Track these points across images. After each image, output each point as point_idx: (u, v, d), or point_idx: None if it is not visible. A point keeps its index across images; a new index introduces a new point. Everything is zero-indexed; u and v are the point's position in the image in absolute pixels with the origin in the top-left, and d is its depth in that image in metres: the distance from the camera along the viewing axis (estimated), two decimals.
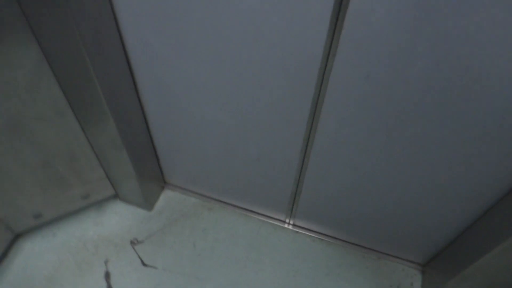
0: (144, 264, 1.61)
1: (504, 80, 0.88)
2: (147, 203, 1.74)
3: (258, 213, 1.78)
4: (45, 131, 1.32)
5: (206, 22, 1.04)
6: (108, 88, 1.20)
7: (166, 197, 1.85)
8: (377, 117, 1.09)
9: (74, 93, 1.23)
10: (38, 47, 1.09)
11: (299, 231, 1.74)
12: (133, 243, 1.67)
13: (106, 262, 1.61)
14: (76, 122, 1.35)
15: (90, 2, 1.01)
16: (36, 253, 1.63)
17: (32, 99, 1.21)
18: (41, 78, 1.17)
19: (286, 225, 1.75)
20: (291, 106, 1.18)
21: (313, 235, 1.72)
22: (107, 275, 1.57)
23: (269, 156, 1.41)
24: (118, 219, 1.75)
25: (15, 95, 1.17)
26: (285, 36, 1.00)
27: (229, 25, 1.03)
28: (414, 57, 0.91)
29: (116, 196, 1.78)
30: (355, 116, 1.12)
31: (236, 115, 1.30)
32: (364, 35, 0.91)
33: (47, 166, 1.43)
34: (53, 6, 0.96)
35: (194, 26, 1.07)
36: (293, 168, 1.42)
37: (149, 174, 1.68)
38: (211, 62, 1.16)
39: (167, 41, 1.15)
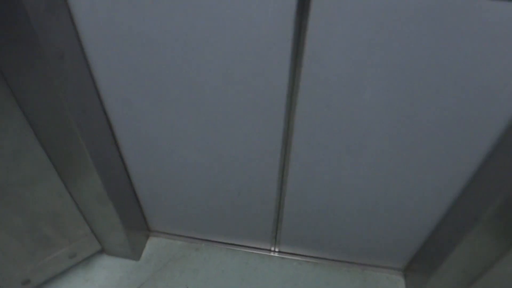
0: None
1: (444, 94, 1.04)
2: (134, 253, 1.77)
3: (244, 246, 1.85)
4: (30, 194, 1.35)
5: (181, 76, 1.16)
6: (92, 144, 1.27)
7: (152, 244, 1.88)
8: (341, 139, 1.23)
9: (58, 154, 1.28)
10: (22, 114, 1.15)
11: (285, 257, 1.82)
12: None
13: None
14: (60, 181, 1.39)
15: (71, 67, 1.10)
16: None
17: (16, 165, 1.26)
18: (25, 144, 1.22)
19: (272, 253, 1.82)
20: (265, 140, 1.29)
21: (299, 258, 1.81)
22: None
23: (249, 188, 1.51)
24: (106, 273, 1.76)
25: (0, 163, 1.22)
26: (253, 81, 1.12)
27: (202, 76, 1.14)
28: (363, 86, 1.06)
29: (102, 251, 1.80)
30: (323, 141, 1.25)
31: (214, 155, 1.40)
32: (320, 72, 1.05)
33: (33, 229, 1.45)
34: (35, 75, 1.04)
35: (169, 80, 1.18)
36: (272, 197, 1.52)
37: (134, 224, 1.73)
38: (187, 111, 1.26)
39: (144, 96, 1.24)
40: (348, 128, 1.19)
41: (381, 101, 1.09)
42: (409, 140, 1.18)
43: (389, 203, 1.45)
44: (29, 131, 1.21)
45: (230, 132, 1.30)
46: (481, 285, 1.45)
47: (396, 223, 1.53)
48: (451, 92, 1.02)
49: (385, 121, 1.14)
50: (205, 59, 1.10)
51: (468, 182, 1.29)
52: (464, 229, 1.31)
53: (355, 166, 1.31)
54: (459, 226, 1.34)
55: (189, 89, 1.19)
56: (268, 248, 1.83)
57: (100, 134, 1.32)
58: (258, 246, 1.83)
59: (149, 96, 1.24)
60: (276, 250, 1.82)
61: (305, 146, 1.28)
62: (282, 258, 1.81)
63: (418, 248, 1.64)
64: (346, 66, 1.03)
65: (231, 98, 1.19)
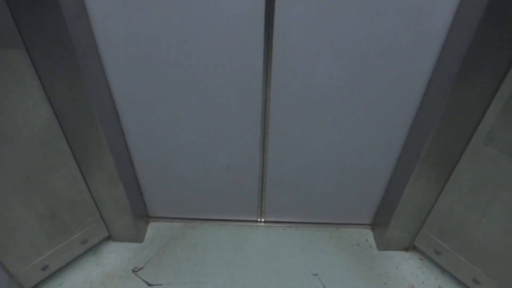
0: (149, 285, 1.85)
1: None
2: (139, 236, 2.00)
3: (234, 220, 2.12)
4: (53, 180, 1.58)
5: (177, 66, 1.46)
6: (107, 131, 1.53)
7: (153, 228, 2.12)
8: (308, 105, 1.56)
9: (78, 142, 1.53)
10: (50, 107, 1.41)
11: (270, 225, 2.11)
12: (135, 270, 1.91)
13: None
14: (77, 168, 1.63)
15: (91, 64, 1.38)
16: None
17: (43, 153, 1.49)
18: (51, 133, 1.47)
19: (259, 224, 2.11)
20: (247, 113, 1.61)
21: (283, 225, 2.10)
22: None
23: (236, 161, 1.81)
24: (115, 256, 1.98)
25: (30, 150, 1.45)
26: (234, 63, 1.44)
27: (193, 64, 1.45)
28: (320, 58, 1.41)
29: (109, 238, 2.02)
30: (294, 108, 1.58)
31: (206, 133, 1.69)
32: (288, 48, 1.39)
33: (53, 215, 1.66)
34: (66, 71, 1.31)
35: (167, 71, 1.47)
36: (256, 167, 1.83)
37: (137, 209, 1.97)
38: (183, 97, 1.56)
39: (147, 86, 1.53)
40: (312, 94, 1.52)
41: (334, 69, 1.44)
42: (359, 98, 1.53)
43: (351, 160, 1.78)
44: (55, 122, 1.46)
45: (218, 110, 1.60)
46: (432, 219, 1.79)
47: (359, 179, 1.87)
48: (383, 55, 1.39)
49: (339, 85, 1.49)
50: (195, 50, 1.41)
51: (409, 128, 1.64)
52: (410, 171, 1.65)
53: (321, 128, 1.64)
54: (406, 170, 1.68)
55: (184, 76, 1.49)
56: (255, 219, 2.12)
57: (111, 122, 1.58)
58: (246, 218, 2.12)
59: (151, 86, 1.53)
60: (262, 220, 2.11)
61: (281, 115, 1.60)
62: (268, 226, 2.10)
63: (379, 201, 1.98)
64: (306, 42, 1.37)
65: (218, 79, 1.50)
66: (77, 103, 1.41)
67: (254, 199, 1.99)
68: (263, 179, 1.89)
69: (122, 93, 1.56)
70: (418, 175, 1.62)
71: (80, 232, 1.84)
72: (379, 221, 2.01)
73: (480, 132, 1.42)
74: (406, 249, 1.98)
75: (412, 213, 1.79)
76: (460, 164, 1.54)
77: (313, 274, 1.87)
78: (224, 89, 1.53)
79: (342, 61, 1.41)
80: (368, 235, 2.07)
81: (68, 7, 1.20)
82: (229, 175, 1.88)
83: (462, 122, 1.41)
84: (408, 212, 1.78)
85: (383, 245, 1.97)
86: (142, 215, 2.08)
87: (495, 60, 1.24)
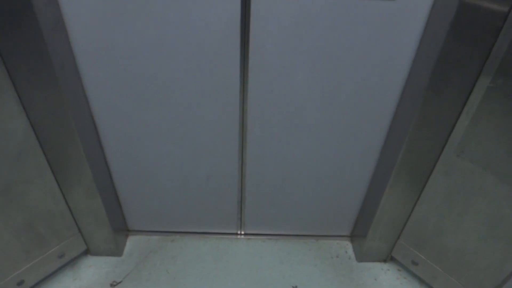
0: None
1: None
2: (117, 249, 1.98)
3: (214, 233, 2.12)
4: (29, 193, 1.56)
5: (154, 78, 1.48)
6: (85, 143, 1.53)
7: (132, 241, 2.11)
8: (285, 117, 1.59)
9: (55, 154, 1.53)
10: (27, 119, 1.41)
11: (250, 237, 2.11)
12: (113, 285, 1.89)
13: None
14: (54, 180, 1.62)
15: (69, 76, 1.39)
16: None
17: (20, 165, 1.48)
18: (28, 145, 1.46)
19: (238, 236, 2.11)
20: (225, 125, 1.63)
21: (262, 238, 2.11)
22: None
23: (216, 173, 1.82)
24: (93, 270, 1.96)
25: (6, 162, 1.44)
26: (211, 75, 1.47)
27: (171, 76, 1.47)
28: (295, 71, 1.44)
29: (87, 252, 2.00)
30: (271, 120, 1.60)
31: (185, 145, 1.70)
32: (264, 62, 1.43)
33: (30, 228, 1.64)
34: (43, 82, 1.32)
35: (144, 83, 1.49)
36: (235, 178, 1.84)
37: (116, 222, 1.96)
38: (161, 109, 1.57)
39: (124, 98, 1.54)
40: (289, 106, 1.55)
41: (309, 81, 1.48)
42: (335, 110, 1.57)
43: (328, 171, 1.81)
44: (32, 134, 1.45)
45: (196, 123, 1.62)
46: (408, 230, 1.82)
47: (337, 190, 1.90)
48: (357, 67, 1.43)
49: (315, 97, 1.52)
50: (173, 63, 1.44)
51: (384, 139, 1.68)
52: (385, 182, 1.68)
53: (298, 140, 1.67)
54: (382, 181, 1.72)
55: (161, 89, 1.51)
56: (235, 232, 2.12)
57: (89, 134, 1.59)
58: (226, 231, 2.12)
59: (128, 98, 1.54)
60: (242, 232, 2.12)
61: (258, 127, 1.63)
62: (248, 239, 2.11)
63: (358, 213, 2.01)
64: (281, 56, 1.41)
65: (195, 92, 1.52)
66: (54, 115, 1.41)
67: (233, 211, 2.00)
68: (242, 191, 1.90)
69: (99, 105, 1.57)
70: (393, 186, 1.65)
71: (58, 246, 1.81)
72: (358, 233, 2.04)
73: (452, 143, 1.46)
74: (384, 260, 2.01)
75: (389, 224, 1.81)
76: (433, 175, 1.58)
77: (293, 286, 1.88)
78: (201, 101, 1.55)
79: (317, 73, 1.45)
80: (347, 247, 2.09)
81: (45, 19, 1.21)
82: (209, 187, 1.89)
83: (434, 133, 1.45)
84: (385, 223, 1.80)
85: (361, 257, 1.99)
86: (121, 228, 2.06)
87: (462, 73, 1.29)
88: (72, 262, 1.97)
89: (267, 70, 1.45)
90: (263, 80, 1.48)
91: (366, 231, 1.88)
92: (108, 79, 1.48)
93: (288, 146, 1.70)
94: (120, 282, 1.90)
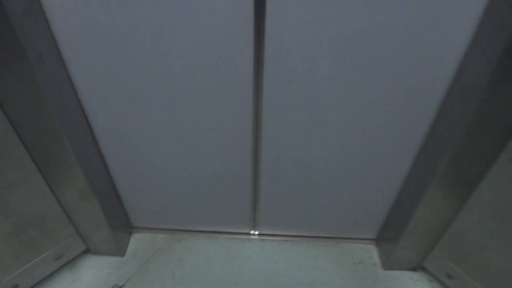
0: None
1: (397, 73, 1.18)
2: (119, 249, 1.82)
3: (225, 232, 1.94)
4: (15, 197, 1.39)
5: (151, 69, 1.24)
6: (74, 141, 1.33)
7: (136, 240, 1.94)
8: (306, 113, 1.35)
9: (41, 154, 1.34)
10: (5, 117, 1.21)
11: (265, 238, 1.92)
12: None
13: None
14: (44, 182, 1.44)
15: (49, 67, 1.17)
16: None
17: (1, 167, 1.30)
18: (9, 146, 1.27)
19: (252, 236, 1.92)
20: (236, 122, 1.40)
21: (278, 238, 1.91)
22: None
23: (226, 173, 1.61)
24: (94, 271, 1.81)
25: None
26: (219, 66, 1.23)
27: (171, 67, 1.24)
28: (319, 61, 1.19)
29: (87, 251, 1.84)
30: (290, 117, 1.36)
31: (189, 144, 1.49)
32: (281, 50, 1.17)
33: (19, 232, 1.49)
34: (17, 75, 1.10)
35: (140, 75, 1.26)
36: (248, 179, 1.63)
37: (117, 221, 1.78)
38: (160, 104, 1.35)
39: (118, 92, 1.32)
40: (310, 101, 1.31)
41: (336, 74, 1.22)
42: (364, 107, 1.32)
43: (355, 172, 1.58)
44: (13, 133, 1.26)
45: (202, 119, 1.40)
46: (445, 242, 1.60)
47: (363, 192, 1.66)
48: (394, 58, 1.16)
49: (341, 92, 1.27)
50: (172, 51, 1.20)
51: (423, 141, 1.43)
52: (424, 187, 1.44)
53: (321, 139, 1.43)
54: (419, 185, 1.47)
55: (160, 81, 1.28)
56: (248, 231, 1.93)
57: (80, 131, 1.38)
58: (238, 230, 1.93)
59: (123, 91, 1.32)
60: (256, 232, 1.92)
61: (275, 124, 1.39)
62: (262, 239, 1.92)
63: (386, 216, 1.78)
64: (302, 43, 1.15)
65: (200, 85, 1.28)
66: (34, 112, 1.20)
67: (246, 211, 1.80)
68: (255, 191, 1.69)
69: (91, 100, 1.36)
70: (433, 194, 1.41)
71: (53, 248, 1.66)
72: (386, 237, 1.82)
73: (509, 151, 1.20)
74: (414, 269, 1.79)
75: (424, 232, 1.59)
76: (482, 185, 1.34)
77: None
78: (208, 96, 1.32)
79: (345, 64, 1.19)
80: (372, 252, 1.88)
81: (12, 2, 0.98)
82: (218, 188, 1.68)
83: (489, 139, 1.19)
84: (419, 230, 1.58)
85: (388, 264, 1.78)
86: (124, 225, 1.89)
87: None
88: (71, 262, 1.82)
89: (286, 60, 1.20)
90: (281, 71, 1.23)
91: (396, 236, 1.66)
92: (100, 71, 1.26)
93: (308, 145, 1.46)
94: (122, 286, 1.74)
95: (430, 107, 1.29)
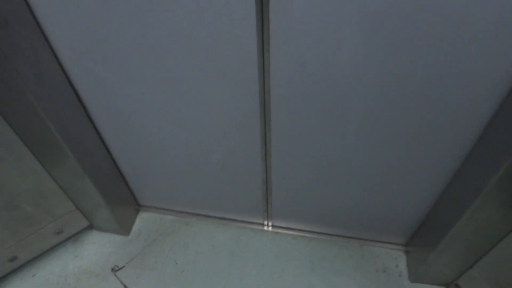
0: None
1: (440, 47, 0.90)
2: (123, 228, 1.72)
3: (235, 220, 1.77)
4: (2, 171, 1.30)
5: (143, 42, 1.05)
6: (58, 121, 1.19)
7: (142, 219, 1.83)
8: (321, 103, 1.10)
9: (26, 132, 1.21)
10: None
11: (279, 231, 1.73)
12: (114, 270, 1.65)
13: None
14: (34, 158, 1.33)
15: (19, 35, 1.00)
16: None
17: None
18: None
19: (265, 227, 1.75)
20: (241, 106, 1.18)
21: (293, 233, 1.72)
22: None
23: (232, 161, 1.41)
24: (96, 248, 1.73)
25: None
26: (219, 42, 1.00)
27: (165, 41, 1.03)
28: (340, 40, 0.93)
29: (91, 227, 1.76)
30: (302, 106, 1.13)
31: (188, 126, 1.30)
32: (291, 27, 0.92)
33: (11, 207, 1.41)
34: None
35: (131, 48, 1.07)
36: (258, 169, 1.42)
37: (120, 199, 1.67)
38: (154, 80, 1.16)
39: (110, 67, 1.15)
40: (327, 90, 1.06)
41: (362, 57, 0.95)
42: (397, 103, 1.05)
43: (383, 175, 1.33)
44: None
45: (203, 100, 1.19)
46: (486, 263, 1.35)
47: (395, 192, 1.41)
48: (444, 43, 0.88)
49: (369, 80, 1.01)
50: (166, 21, 0.98)
51: (469, 151, 1.15)
52: (470, 198, 1.18)
53: (341, 134, 1.19)
54: (464, 194, 1.20)
55: (152, 55, 1.08)
56: (261, 222, 1.75)
57: (66, 106, 1.23)
58: (250, 220, 1.76)
59: (113, 64, 1.14)
60: (270, 224, 1.74)
61: (284, 112, 1.16)
62: (276, 232, 1.73)
63: (421, 221, 1.52)
64: (318, 17, 0.89)
65: (198, 63, 1.07)
66: (7, 85, 1.06)
67: (258, 201, 1.61)
68: (267, 183, 1.49)
69: (79, 74, 1.20)
70: (481, 207, 1.14)
71: (52, 223, 1.58)
72: (418, 244, 1.57)
73: None
74: (447, 285, 1.54)
75: (463, 247, 1.33)
76: None
77: None
78: (208, 74, 1.10)
79: (375, 44, 0.92)
80: (399, 259, 1.64)
81: None
82: (225, 176, 1.50)
83: None
84: (459, 244, 1.32)
85: (417, 276, 1.54)
86: (130, 203, 1.78)
87: None
88: (74, 237, 1.75)
89: (297, 38, 0.95)
90: (291, 51, 0.99)
91: (431, 246, 1.41)
92: (85, 39, 1.08)
93: (326, 139, 1.22)
94: (122, 268, 1.65)
95: (488, 103, 1.00)
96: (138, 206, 1.86)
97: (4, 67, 1.00)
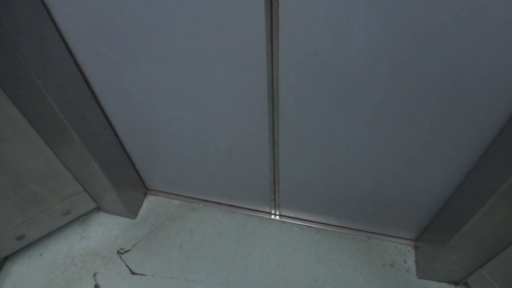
0: (132, 273, 1.59)
1: (454, 40, 0.84)
2: (130, 211, 1.72)
3: (243, 208, 1.75)
4: (9, 151, 1.30)
5: (150, 24, 1.02)
6: (63, 103, 1.17)
7: (149, 202, 1.83)
8: (332, 93, 1.06)
9: (32, 113, 1.20)
10: None
11: (286, 220, 1.71)
12: (120, 252, 1.66)
13: (94, 275, 1.60)
14: (40, 138, 1.32)
15: (23, 13, 0.98)
16: (24, 274, 1.62)
17: None
18: None
19: (272, 216, 1.72)
20: (248, 93, 1.15)
21: (300, 223, 1.69)
22: None
23: (240, 148, 1.39)
24: (103, 230, 1.73)
25: None
26: (226, 26, 0.96)
27: (173, 25, 1.00)
28: (354, 27, 0.88)
29: (99, 208, 1.77)
30: (312, 95, 1.09)
31: (197, 111, 1.27)
32: (302, 11, 0.88)
33: (18, 186, 1.41)
34: None
35: (138, 29, 1.04)
36: (265, 158, 1.39)
37: (127, 182, 1.66)
38: (162, 63, 1.13)
39: (117, 48, 1.12)
40: (339, 79, 1.01)
41: (375, 45, 0.90)
42: (411, 94, 1.00)
43: (395, 168, 1.28)
44: None
45: (209, 86, 1.16)
46: (498, 263, 1.30)
47: (404, 190, 1.37)
48: (463, 33, 0.82)
49: (382, 70, 0.96)
50: (173, 3, 0.95)
51: (486, 148, 1.10)
52: (479, 201, 1.14)
53: (352, 124, 1.14)
54: (479, 191, 1.15)
55: (159, 37, 1.05)
56: (268, 211, 1.72)
57: (72, 87, 1.21)
58: (257, 208, 1.73)
59: (120, 45, 1.11)
60: (277, 213, 1.71)
61: (293, 100, 1.12)
62: (283, 222, 1.71)
63: (432, 216, 1.47)
64: (329, 2, 0.84)
65: (205, 46, 1.04)
66: (12, 66, 1.04)
67: (265, 190, 1.58)
68: (275, 172, 1.46)
69: (85, 54, 1.17)
70: (497, 204, 1.09)
71: (59, 204, 1.59)
72: (428, 240, 1.52)
73: None
74: (456, 283, 1.50)
75: (475, 245, 1.29)
76: None
77: None
78: (215, 58, 1.07)
79: (390, 31, 0.87)
80: (408, 254, 1.60)
81: None
82: (234, 162, 1.47)
83: None
84: (470, 241, 1.28)
85: (425, 272, 1.50)
86: (137, 186, 1.77)
87: None
88: (83, 218, 1.76)
89: (307, 24, 0.90)
90: (301, 38, 0.94)
91: (441, 242, 1.37)
92: (91, 19, 1.06)
93: (336, 130, 1.18)
94: (128, 251, 1.66)
95: (508, 100, 0.94)
96: (145, 190, 1.85)
97: (7, 46, 0.98)
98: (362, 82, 1.01)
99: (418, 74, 0.95)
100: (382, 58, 0.93)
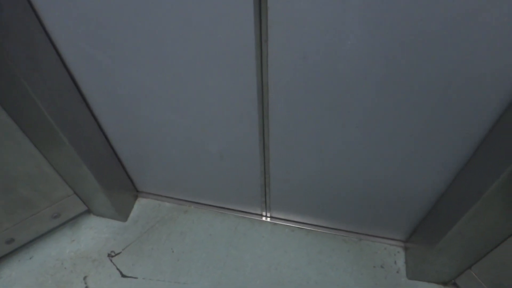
0: (123, 276, 1.59)
1: (444, 42, 0.85)
2: (121, 214, 1.71)
3: (234, 210, 1.75)
4: (0, 155, 1.29)
5: (140, 26, 1.01)
6: (52, 106, 1.17)
7: (140, 205, 1.82)
8: (322, 97, 1.07)
9: (21, 117, 1.19)
10: None
11: (277, 222, 1.72)
12: (111, 255, 1.65)
13: (85, 278, 1.59)
14: (30, 143, 1.31)
15: (12, 18, 0.97)
16: (14, 278, 1.61)
17: None
18: None
19: (263, 218, 1.73)
20: (239, 97, 1.15)
21: (291, 225, 1.70)
22: None
23: (231, 152, 1.39)
24: (93, 233, 1.72)
25: None
26: (215, 30, 0.97)
27: (163, 28, 1.00)
28: (344, 31, 0.88)
29: (89, 211, 1.76)
30: (302, 98, 1.09)
31: (187, 114, 1.27)
32: (291, 15, 0.88)
33: (8, 190, 1.40)
34: None
35: (128, 31, 1.04)
36: (256, 160, 1.40)
37: (117, 185, 1.66)
38: (152, 66, 1.13)
39: (107, 51, 1.12)
40: (329, 83, 1.02)
41: (366, 49, 0.91)
42: (401, 98, 1.01)
43: (385, 170, 1.29)
44: None
45: (199, 90, 1.16)
46: (485, 263, 1.32)
47: (394, 191, 1.38)
48: (453, 37, 0.83)
49: (372, 74, 0.97)
50: (163, 6, 0.95)
51: (474, 150, 1.11)
52: (467, 204, 1.15)
53: (342, 128, 1.15)
54: (468, 193, 1.16)
55: (149, 40, 1.05)
56: (259, 213, 1.73)
57: (61, 91, 1.21)
58: (248, 210, 1.74)
59: (110, 48, 1.11)
60: (268, 215, 1.72)
61: (284, 103, 1.13)
62: (274, 224, 1.71)
63: (422, 217, 1.49)
64: (319, 6, 0.85)
65: (195, 49, 1.04)
66: (1, 70, 1.04)
67: (256, 192, 1.59)
68: (266, 175, 1.46)
69: (74, 57, 1.17)
70: (486, 206, 1.11)
71: (49, 207, 1.57)
72: (417, 241, 1.54)
73: None
74: (445, 284, 1.52)
75: (464, 246, 1.30)
76: None
77: None
78: (205, 61, 1.07)
79: (380, 35, 0.88)
80: (398, 256, 1.61)
81: None
82: (225, 165, 1.47)
83: None
84: (459, 242, 1.29)
85: (415, 273, 1.52)
86: (127, 189, 1.77)
87: None
88: (73, 221, 1.75)
89: (297, 28, 0.91)
90: (291, 42, 0.95)
91: (431, 243, 1.38)
92: (80, 22, 1.05)
93: (327, 133, 1.19)
94: (118, 254, 1.65)
95: (496, 103, 0.95)
96: (136, 192, 1.85)
97: None
98: (352, 85, 1.01)
99: (407, 78, 0.96)
100: (371, 61, 0.94)
